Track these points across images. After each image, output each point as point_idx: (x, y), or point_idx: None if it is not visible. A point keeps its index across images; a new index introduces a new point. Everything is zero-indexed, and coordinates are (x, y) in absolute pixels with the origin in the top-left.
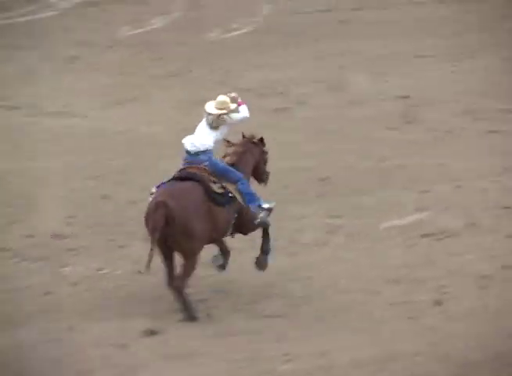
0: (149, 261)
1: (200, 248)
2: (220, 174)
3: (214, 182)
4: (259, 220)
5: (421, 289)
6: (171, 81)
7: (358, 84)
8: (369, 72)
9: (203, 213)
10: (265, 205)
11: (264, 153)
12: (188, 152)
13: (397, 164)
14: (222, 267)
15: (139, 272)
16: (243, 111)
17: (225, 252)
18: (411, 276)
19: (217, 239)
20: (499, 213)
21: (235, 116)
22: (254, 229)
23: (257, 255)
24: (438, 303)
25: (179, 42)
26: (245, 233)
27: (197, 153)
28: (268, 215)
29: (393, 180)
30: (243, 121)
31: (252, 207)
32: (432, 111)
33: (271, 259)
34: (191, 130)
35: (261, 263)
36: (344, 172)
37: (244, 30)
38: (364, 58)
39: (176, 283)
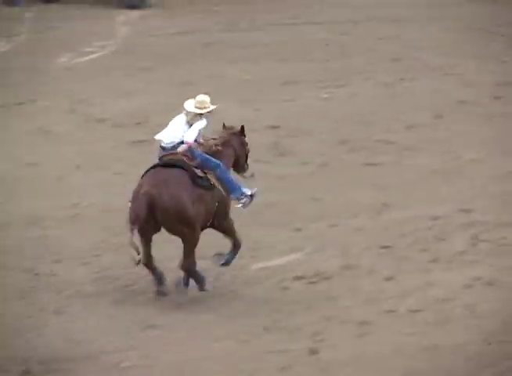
0: (136, 250)
1: (199, 232)
2: (198, 162)
3: (196, 167)
4: (241, 205)
5: (295, 336)
6: (15, 111)
7: (225, 113)
8: (236, 99)
9: (194, 197)
10: (248, 192)
11: (244, 144)
12: (163, 147)
13: (268, 200)
14: (226, 264)
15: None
16: (190, 138)
17: (234, 247)
18: (284, 322)
19: (206, 222)
20: (378, 253)
21: (190, 131)
22: (224, 229)
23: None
24: (314, 352)
25: (26, 68)
26: (217, 228)
27: (173, 147)
28: (250, 201)
29: (263, 218)
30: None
31: (233, 196)
32: (305, 142)
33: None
34: (36, 164)
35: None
36: None
37: (99, 54)
38: (230, 84)
39: (184, 265)
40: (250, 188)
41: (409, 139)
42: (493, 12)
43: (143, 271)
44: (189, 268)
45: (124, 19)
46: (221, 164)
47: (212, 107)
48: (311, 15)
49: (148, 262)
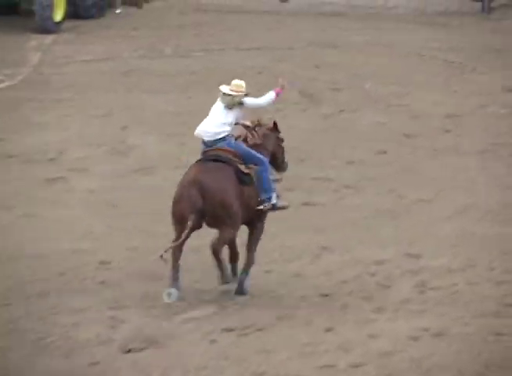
0: (181, 243)
1: (239, 224)
2: (242, 156)
3: (240, 163)
4: (260, 208)
5: None
6: None
7: (146, 148)
8: (159, 133)
9: (236, 188)
10: (274, 200)
11: (279, 140)
12: (205, 143)
13: (193, 244)
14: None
15: (161, 257)
16: (265, 97)
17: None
18: None
19: (246, 219)
20: (316, 301)
21: (250, 101)
22: (253, 232)
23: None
24: None
25: None
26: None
27: (215, 141)
28: (271, 210)
29: (189, 263)
30: (258, 106)
31: (261, 196)
32: None
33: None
34: None
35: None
36: (129, 255)
37: (8, 84)
38: (154, 115)
39: (214, 245)
40: (279, 198)
41: (349, 176)
42: (443, 38)
43: (58, 321)
44: (218, 250)
45: (36, 45)
46: (266, 161)
47: (247, 93)
48: (241, 40)
49: (176, 252)
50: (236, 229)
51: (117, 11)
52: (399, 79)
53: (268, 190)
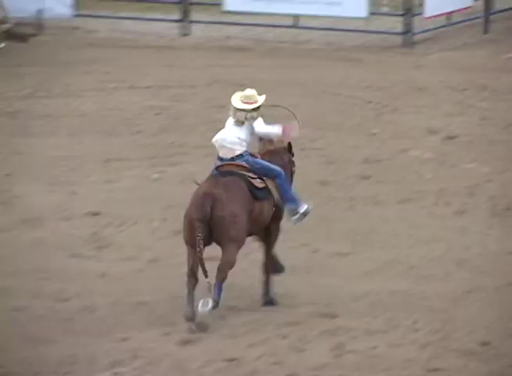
0: (202, 265)
1: (243, 240)
2: (260, 171)
3: (254, 178)
4: (292, 222)
5: None
6: None
7: (33, 198)
8: (46, 181)
9: (246, 204)
10: (301, 209)
11: (291, 162)
12: (221, 158)
13: (84, 304)
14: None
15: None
16: (274, 129)
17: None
18: None
19: (254, 233)
20: (221, 367)
21: (259, 127)
22: (271, 238)
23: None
24: None
25: None
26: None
27: (232, 159)
28: (302, 219)
29: (79, 325)
30: (265, 135)
31: (287, 207)
32: (132, 232)
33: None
34: None
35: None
36: (14, 316)
37: None
38: (41, 161)
39: (218, 275)
40: (304, 203)
41: None
42: (360, 75)
43: None
44: (222, 280)
45: None
46: (283, 173)
47: (261, 99)
48: (138, 77)
49: (192, 274)
50: (241, 244)
51: (0, 45)
52: (313, 121)
53: (292, 201)
